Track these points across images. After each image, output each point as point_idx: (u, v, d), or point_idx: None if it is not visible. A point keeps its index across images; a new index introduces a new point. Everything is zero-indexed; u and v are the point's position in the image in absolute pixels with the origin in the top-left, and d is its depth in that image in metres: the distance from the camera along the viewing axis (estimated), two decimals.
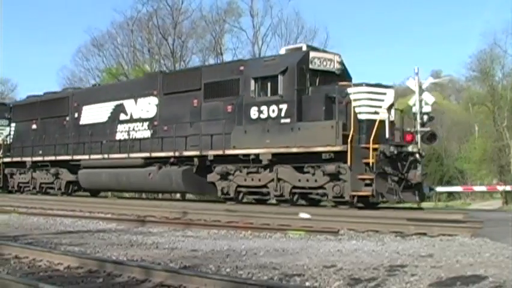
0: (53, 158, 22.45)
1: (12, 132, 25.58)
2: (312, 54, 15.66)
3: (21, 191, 24.82)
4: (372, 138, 13.94)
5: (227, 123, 16.44)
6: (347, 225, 11.70)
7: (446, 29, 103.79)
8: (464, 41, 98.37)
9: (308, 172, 15.02)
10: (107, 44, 47.42)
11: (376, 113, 14.48)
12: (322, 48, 18.24)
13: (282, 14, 44.51)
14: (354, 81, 15.66)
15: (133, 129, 19.67)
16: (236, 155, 16.20)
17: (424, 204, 17.55)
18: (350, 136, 14.03)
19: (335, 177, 14.41)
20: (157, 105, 19.01)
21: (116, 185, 20.92)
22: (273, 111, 15.49)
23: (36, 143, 23.36)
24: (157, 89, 19.04)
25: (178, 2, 44.94)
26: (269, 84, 15.64)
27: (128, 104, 20.00)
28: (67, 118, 22.49)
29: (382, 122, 14.39)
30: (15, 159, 24.66)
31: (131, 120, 19.79)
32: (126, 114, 20.05)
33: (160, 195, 25.26)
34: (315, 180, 14.87)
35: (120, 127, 20.15)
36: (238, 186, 16.55)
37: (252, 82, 15.97)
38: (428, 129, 15.76)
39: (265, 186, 15.98)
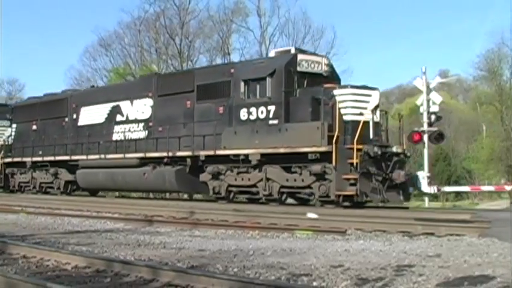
0: (52, 158, 22.81)
1: (13, 133, 25.93)
2: (300, 56, 15.91)
3: (22, 191, 25.20)
4: (356, 139, 14.16)
5: (218, 124, 16.72)
6: (354, 225, 11.63)
7: (453, 28, 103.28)
8: (472, 41, 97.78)
9: (296, 172, 15.26)
10: (115, 44, 47.45)
11: (361, 114, 14.70)
12: (310, 51, 18.45)
13: (290, 13, 43.89)
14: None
15: (129, 130, 19.99)
16: (227, 155, 16.47)
17: (432, 204, 17.47)
18: (335, 137, 14.26)
19: (320, 177, 14.65)
20: (152, 107, 19.32)
21: (113, 185, 21.26)
22: (262, 112, 15.75)
23: (36, 143, 23.74)
24: (152, 90, 19.36)
25: (185, 2, 44.88)
26: (258, 86, 15.89)
27: (124, 105, 20.34)
28: (66, 119, 22.83)
29: (366, 123, 14.62)
30: (15, 159, 25.04)
31: (127, 121, 20.12)
32: (122, 115, 20.38)
33: (167, 195, 25.32)
34: (302, 180, 15.11)
35: (116, 128, 20.48)
36: (229, 185, 16.83)
37: (242, 84, 16.24)
38: (435, 128, 15.87)
39: (254, 185, 16.23)
